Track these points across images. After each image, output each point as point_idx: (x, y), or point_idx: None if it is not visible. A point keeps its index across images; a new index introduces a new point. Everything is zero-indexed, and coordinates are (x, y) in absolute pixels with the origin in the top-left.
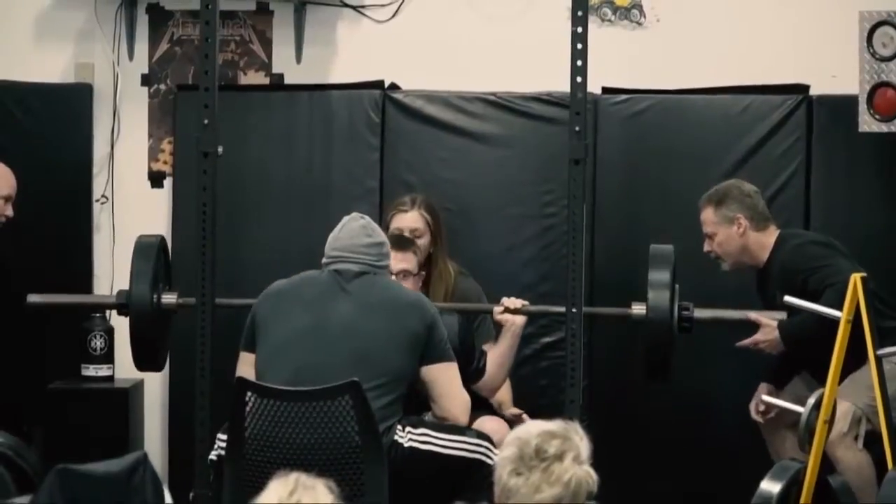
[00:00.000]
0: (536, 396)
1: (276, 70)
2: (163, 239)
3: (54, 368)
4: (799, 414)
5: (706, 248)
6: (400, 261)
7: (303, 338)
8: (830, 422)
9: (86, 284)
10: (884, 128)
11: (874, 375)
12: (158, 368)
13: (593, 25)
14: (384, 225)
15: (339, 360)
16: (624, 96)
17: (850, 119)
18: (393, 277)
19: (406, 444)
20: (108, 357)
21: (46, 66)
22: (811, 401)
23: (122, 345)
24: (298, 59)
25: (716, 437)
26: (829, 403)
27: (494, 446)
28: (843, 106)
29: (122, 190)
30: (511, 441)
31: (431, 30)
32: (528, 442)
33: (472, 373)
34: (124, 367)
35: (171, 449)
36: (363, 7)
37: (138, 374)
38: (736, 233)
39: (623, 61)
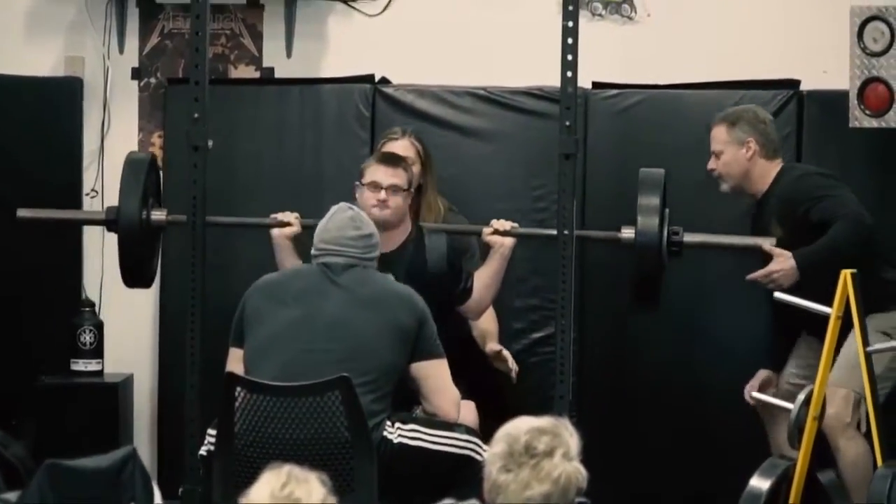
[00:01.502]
0: (526, 392)
1: (266, 64)
2: (153, 155)
3: (44, 363)
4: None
5: (710, 165)
6: (390, 176)
7: (291, 332)
8: (821, 417)
9: (75, 279)
10: (874, 123)
11: (864, 373)
12: (146, 285)
13: (584, 20)
14: (360, 171)
15: (328, 355)
16: (615, 91)
17: (840, 114)
18: (382, 193)
19: (395, 440)
20: (97, 352)
21: (36, 59)
22: (801, 397)
23: (111, 340)
24: (289, 53)
25: (708, 434)
26: (818, 399)
27: (483, 441)
28: (834, 101)
29: (112, 184)
30: (500, 437)
31: (422, 24)
32: (517, 438)
33: (458, 294)
34: (114, 362)
35: (161, 444)
36: (354, 1)
37: (128, 369)
38: (744, 155)
39: (614, 56)
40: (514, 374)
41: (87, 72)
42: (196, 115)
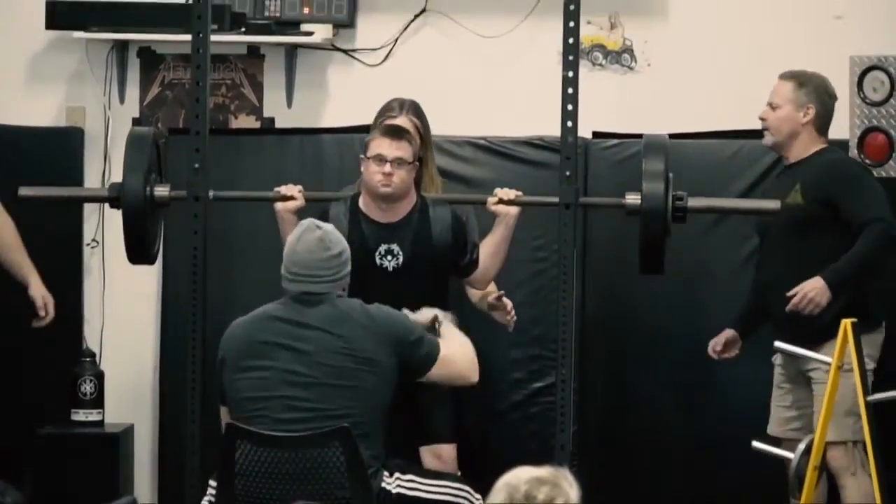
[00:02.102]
0: (526, 441)
1: (267, 114)
2: (155, 131)
3: (44, 413)
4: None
5: (762, 115)
6: (395, 149)
7: (272, 390)
8: (821, 468)
9: (76, 328)
10: (875, 173)
11: (864, 423)
12: (150, 262)
13: (584, 70)
14: (364, 144)
15: (313, 412)
16: (615, 140)
17: None
18: (387, 166)
19: (395, 491)
20: (97, 402)
21: (37, 109)
22: (801, 447)
23: (112, 390)
24: (289, 103)
25: (708, 488)
26: (818, 449)
27: (475, 491)
28: None
29: (112, 234)
30: (500, 487)
31: (422, 74)
32: (517, 488)
33: (464, 266)
34: (114, 412)
35: (161, 495)
36: (354, 51)
37: (128, 420)
38: (800, 118)
39: (614, 106)
40: (511, 324)
41: (88, 122)
42: (196, 166)
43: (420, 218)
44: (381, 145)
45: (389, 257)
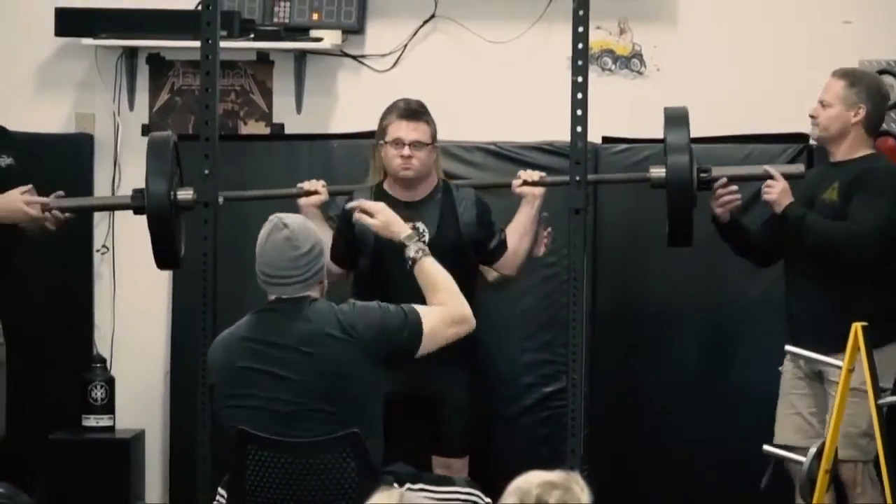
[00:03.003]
0: (537, 446)
1: (276, 120)
2: (174, 135)
3: (55, 419)
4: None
5: (812, 112)
6: (412, 131)
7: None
8: (832, 471)
9: (86, 334)
10: None
11: (876, 426)
12: (177, 266)
13: (594, 75)
14: (380, 129)
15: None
16: (624, 146)
17: None
18: (406, 150)
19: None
20: (108, 408)
21: (47, 116)
22: (812, 450)
23: (122, 395)
24: (299, 109)
25: (719, 491)
26: (829, 453)
27: (484, 494)
28: None
29: (122, 240)
30: (511, 492)
31: (431, 79)
32: (528, 492)
33: (493, 250)
34: (125, 417)
35: (172, 500)
36: (363, 57)
37: (139, 425)
38: (850, 118)
39: (623, 110)
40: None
41: (97, 128)
42: (206, 172)
43: (444, 196)
44: (399, 128)
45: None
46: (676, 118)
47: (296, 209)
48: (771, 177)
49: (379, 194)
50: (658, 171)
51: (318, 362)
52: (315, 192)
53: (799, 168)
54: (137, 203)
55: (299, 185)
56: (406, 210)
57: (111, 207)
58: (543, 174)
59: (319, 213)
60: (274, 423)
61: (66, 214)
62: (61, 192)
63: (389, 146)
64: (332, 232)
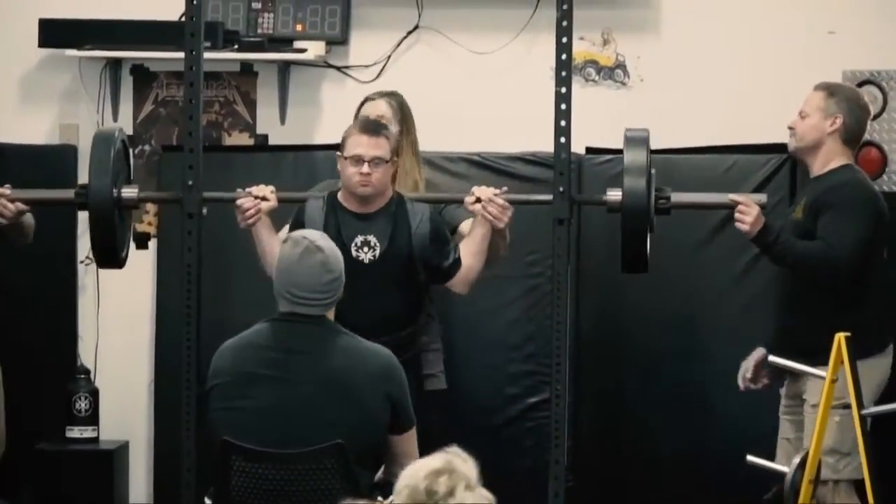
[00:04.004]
0: (521, 456)
1: (260, 131)
2: (121, 130)
3: (39, 430)
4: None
5: (791, 123)
6: (373, 147)
7: (265, 423)
8: (815, 481)
9: (70, 346)
10: None
11: (859, 436)
12: (120, 266)
13: (577, 85)
14: (342, 141)
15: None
16: (608, 156)
17: None
18: (365, 167)
19: None
20: (92, 419)
21: (31, 127)
22: (796, 460)
23: (106, 407)
24: (283, 120)
25: (702, 496)
26: (813, 462)
27: None
28: None
29: None
30: (401, 490)
31: (415, 90)
32: (416, 488)
33: (446, 269)
34: (109, 428)
35: None
36: (347, 68)
37: (123, 436)
38: (826, 127)
39: (607, 121)
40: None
41: (81, 139)
42: (190, 183)
43: (398, 210)
44: (359, 144)
45: (366, 248)
46: (636, 140)
47: (284, 214)
48: (734, 205)
49: (332, 204)
50: (614, 195)
51: (328, 372)
52: (264, 198)
53: (761, 198)
54: (80, 200)
55: (247, 189)
56: (359, 222)
57: (54, 203)
58: (497, 190)
59: (268, 221)
60: (272, 428)
61: (16, 205)
62: (8, 186)
63: (349, 162)
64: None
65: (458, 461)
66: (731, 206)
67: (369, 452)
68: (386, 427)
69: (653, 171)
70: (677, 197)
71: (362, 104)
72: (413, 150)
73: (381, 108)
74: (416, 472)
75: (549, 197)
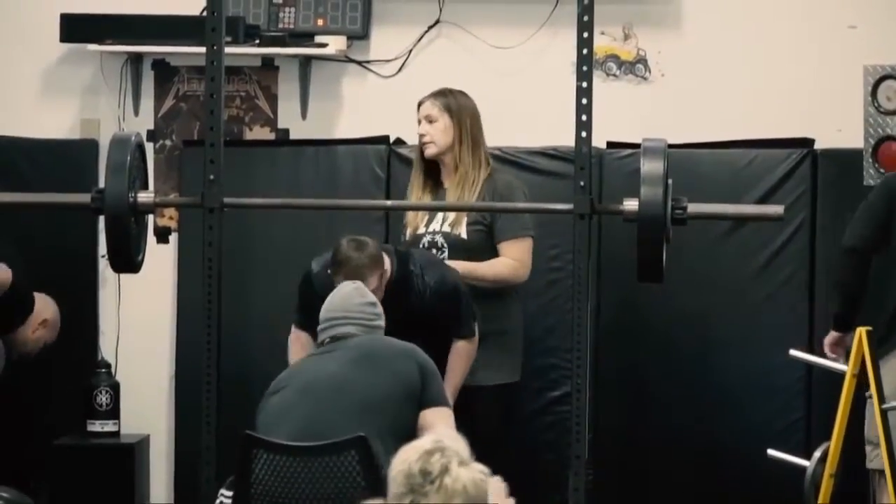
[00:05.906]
0: (542, 451)
1: (281, 125)
2: (138, 134)
3: (60, 424)
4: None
5: None
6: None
7: (302, 397)
8: (836, 476)
9: (92, 339)
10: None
11: (880, 430)
12: (135, 270)
13: (598, 80)
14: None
15: (340, 415)
16: (629, 151)
17: (855, 173)
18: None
19: None
20: (113, 413)
21: (52, 122)
22: (817, 454)
23: (127, 400)
24: (304, 115)
25: (723, 496)
26: (834, 456)
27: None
28: (848, 160)
29: None
30: (396, 475)
31: (436, 85)
32: (411, 473)
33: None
34: (130, 422)
35: None
36: (368, 62)
37: (144, 430)
38: None
39: (628, 116)
40: None
41: (102, 134)
42: (211, 177)
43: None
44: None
45: None
46: (653, 150)
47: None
48: (750, 217)
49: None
50: (631, 205)
51: (359, 349)
52: None
53: (777, 210)
54: (96, 205)
55: None
56: None
57: (71, 207)
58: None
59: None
60: (299, 418)
61: None
62: None
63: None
64: None
65: (447, 440)
66: (748, 218)
67: (403, 424)
68: (418, 392)
69: (670, 181)
70: (694, 207)
71: (418, 107)
72: (470, 148)
73: (427, 109)
74: (406, 456)
75: (568, 206)
